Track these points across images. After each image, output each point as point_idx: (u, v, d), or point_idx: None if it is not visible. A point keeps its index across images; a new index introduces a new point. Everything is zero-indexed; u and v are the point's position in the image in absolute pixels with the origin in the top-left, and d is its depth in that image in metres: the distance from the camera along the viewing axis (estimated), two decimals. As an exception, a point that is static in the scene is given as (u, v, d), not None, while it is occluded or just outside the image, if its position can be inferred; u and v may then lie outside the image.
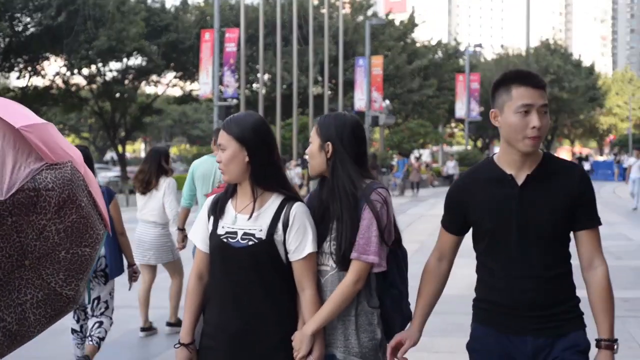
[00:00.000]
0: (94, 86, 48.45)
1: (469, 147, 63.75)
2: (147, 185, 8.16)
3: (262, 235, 3.32)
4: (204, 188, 7.50)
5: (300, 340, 3.33)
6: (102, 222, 3.70)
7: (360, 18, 54.53)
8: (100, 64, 45.59)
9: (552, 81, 68.91)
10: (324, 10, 47.38)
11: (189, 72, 50.50)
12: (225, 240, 3.37)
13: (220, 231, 3.41)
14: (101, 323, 6.63)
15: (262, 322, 3.34)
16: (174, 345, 3.53)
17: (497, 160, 3.23)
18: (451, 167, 44.32)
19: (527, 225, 3.13)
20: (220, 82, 37.98)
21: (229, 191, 3.47)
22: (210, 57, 37.16)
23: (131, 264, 6.81)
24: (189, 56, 47.52)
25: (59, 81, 47.00)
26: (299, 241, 3.33)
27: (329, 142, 3.41)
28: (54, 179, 3.48)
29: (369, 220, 3.33)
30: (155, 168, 8.19)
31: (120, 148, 51.12)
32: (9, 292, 3.57)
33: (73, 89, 48.00)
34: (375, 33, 50.75)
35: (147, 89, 56.06)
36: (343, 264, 3.36)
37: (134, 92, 50.68)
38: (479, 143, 72.06)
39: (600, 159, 78.45)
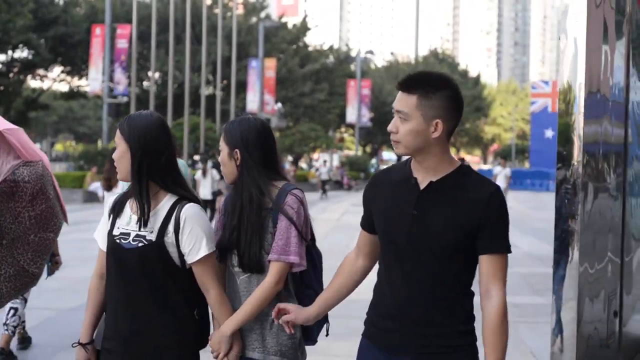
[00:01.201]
0: (-24, 78, 46.79)
1: (359, 153, 64.50)
2: (108, 183, 8.54)
3: (153, 237, 3.30)
4: None
5: (219, 340, 3.34)
6: (63, 213, 4.45)
7: (254, 20, 54.44)
8: (-17, 56, 44.06)
9: (440, 90, 70.50)
10: (217, 10, 47.03)
11: (77, 67, 49.35)
12: (118, 241, 3.35)
13: (115, 232, 3.39)
14: (16, 310, 6.84)
15: (152, 325, 3.33)
16: (72, 345, 3.50)
17: (412, 162, 3.01)
18: (324, 173, 44.46)
19: (420, 235, 2.91)
20: (111, 79, 37.21)
21: (129, 191, 3.42)
22: (101, 53, 36.49)
23: (55, 254, 6.80)
24: (77, 51, 46.43)
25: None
26: (192, 243, 3.29)
27: (236, 149, 3.40)
28: (29, 173, 4.20)
29: (286, 222, 3.33)
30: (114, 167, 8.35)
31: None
32: None
33: (-47, 80, 46.19)
34: (268, 35, 50.75)
35: (33, 83, 54.39)
36: (247, 268, 3.37)
37: (19, 85, 49.15)
38: (369, 148, 72.97)
39: (484, 167, 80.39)
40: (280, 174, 3.49)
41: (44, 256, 4.41)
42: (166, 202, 3.35)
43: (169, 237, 3.30)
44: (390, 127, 2.97)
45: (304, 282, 3.47)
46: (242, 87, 47.36)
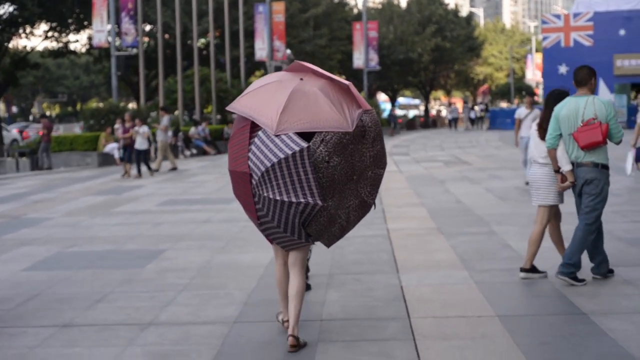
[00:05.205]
0: (-39, 38, 43.47)
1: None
2: (541, 132, 7.93)
3: None
4: (569, 128, 7.57)
5: None
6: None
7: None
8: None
9: (436, 31, 68.36)
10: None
11: (65, 22, 46.14)
12: None
13: None
14: None
15: None
16: None
17: None
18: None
19: None
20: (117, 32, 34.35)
21: None
22: (105, 2, 33.51)
23: None
24: (66, 4, 43.22)
25: None
26: None
27: None
28: (370, 119, 5.60)
29: None
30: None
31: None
32: (342, 199, 5.53)
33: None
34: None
35: (20, 41, 50.92)
36: None
37: (6, 44, 45.83)
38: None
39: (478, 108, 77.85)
40: None
41: (377, 189, 5.63)
42: None
43: None
44: None
45: None
46: (249, 34, 44.49)
